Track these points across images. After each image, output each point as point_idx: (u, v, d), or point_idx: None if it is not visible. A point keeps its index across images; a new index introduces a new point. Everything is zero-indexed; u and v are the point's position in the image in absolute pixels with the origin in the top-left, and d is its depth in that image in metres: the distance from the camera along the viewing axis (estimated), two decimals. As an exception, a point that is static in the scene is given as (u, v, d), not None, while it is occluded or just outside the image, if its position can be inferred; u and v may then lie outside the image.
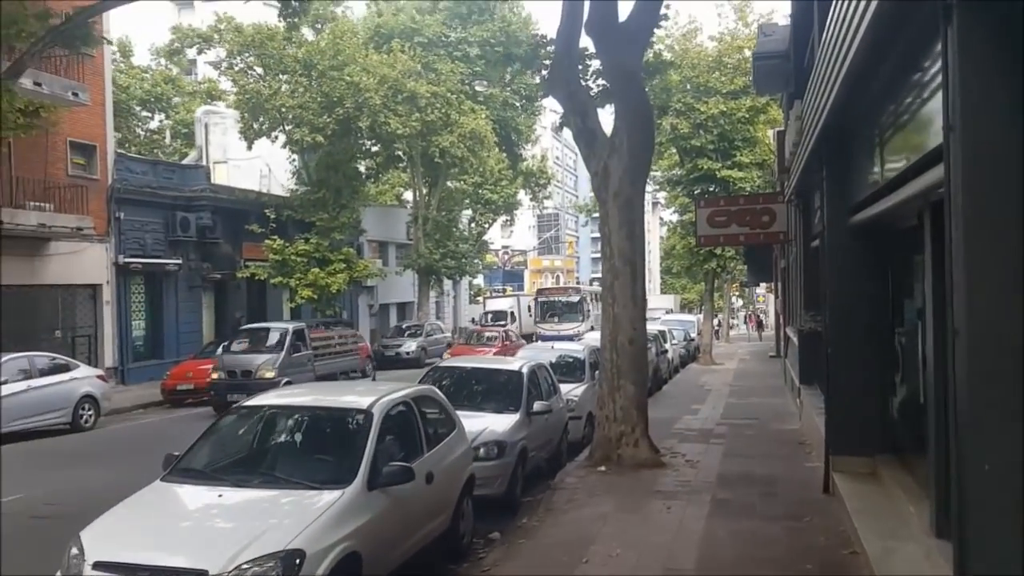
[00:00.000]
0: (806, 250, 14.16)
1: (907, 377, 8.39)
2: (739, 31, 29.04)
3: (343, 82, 25.75)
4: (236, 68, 27.47)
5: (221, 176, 35.98)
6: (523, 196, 56.05)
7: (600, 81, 12.20)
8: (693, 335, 34.41)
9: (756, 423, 14.37)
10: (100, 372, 17.37)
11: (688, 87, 28.51)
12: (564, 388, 12.66)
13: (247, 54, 26.78)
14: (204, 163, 36.17)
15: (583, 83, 11.76)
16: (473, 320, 49.53)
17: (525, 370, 10.11)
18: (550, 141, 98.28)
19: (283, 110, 26.34)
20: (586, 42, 11.66)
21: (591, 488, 9.34)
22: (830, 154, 8.56)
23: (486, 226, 55.29)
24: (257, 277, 27.08)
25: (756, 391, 19.95)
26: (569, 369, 13.75)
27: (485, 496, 8.31)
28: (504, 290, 61.12)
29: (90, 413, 15.93)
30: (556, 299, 41.98)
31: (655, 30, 12.15)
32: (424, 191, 36.35)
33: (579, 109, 10.93)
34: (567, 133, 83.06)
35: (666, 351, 24.72)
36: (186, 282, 26.19)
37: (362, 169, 31.69)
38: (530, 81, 36.91)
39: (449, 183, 47.36)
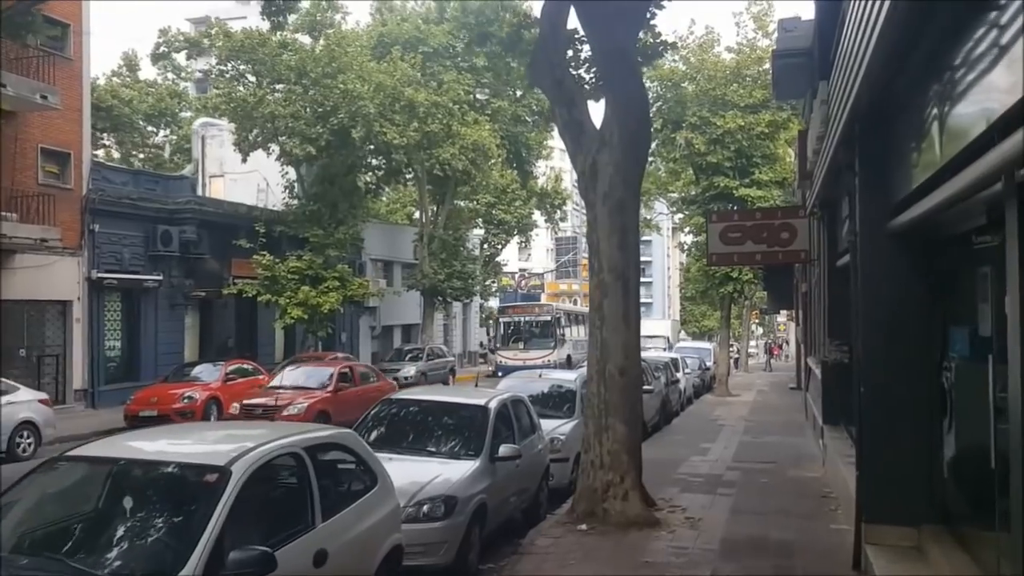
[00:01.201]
0: (831, 270, 12.39)
1: (962, 425, 6.61)
2: (758, 41, 27.42)
3: (337, 90, 24.36)
4: (227, 76, 26.18)
5: (218, 190, 34.84)
6: (539, 217, 54.69)
7: (594, 71, 10.58)
8: (709, 364, 32.49)
9: (772, 467, 12.53)
10: (43, 396, 15.82)
11: (704, 100, 26.89)
12: (550, 425, 10.95)
13: (238, 61, 25.47)
14: (198, 176, 35.23)
15: (572, 72, 10.15)
16: (481, 344, 47.82)
17: (493, 405, 8.39)
18: (566, 161, 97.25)
19: (274, 119, 24.94)
20: (576, 24, 10.08)
21: (565, 554, 7.58)
22: (865, 137, 6.86)
23: (499, 247, 53.88)
24: (245, 295, 25.58)
25: (774, 428, 18.06)
26: (558, 402, 12.02)
27: (426, 568, 6.60)
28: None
29: (29, 441, 14.38)
30: (521, 319, 33.92)
31: (654, 9, 10.52)
32: (433, 209, 34.91)
33: (565, 98, 9.31)
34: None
35: (677, 381, 22.88)
36: (167, 299, 24.73)
37: (364, 183, 30.20)
38: (541, 96, 35.52)
39: (460, 202, 46.10)
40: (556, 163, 77.51)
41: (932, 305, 6.70)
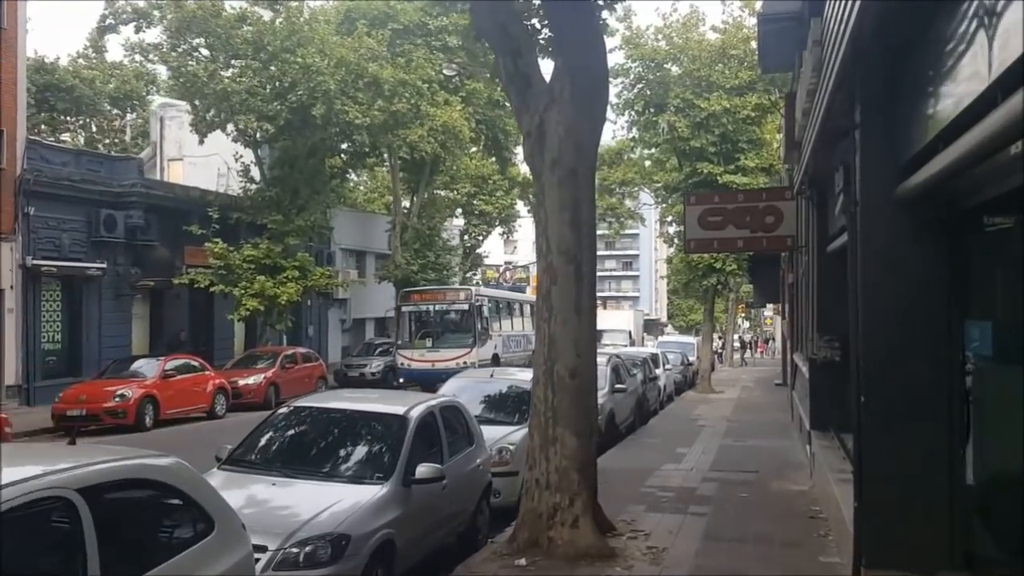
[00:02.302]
0: (821, 257, 10.98)
1: (991, 446, 5.20)
2: (744, 20, 25.98)
3: (296, 65, 22.74)
4: (179, 50, 24.50)
5: (177, 174, 33.15)
6: (522, 208, 53.18)
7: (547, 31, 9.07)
8: (692, 359, 31.14)
9: (754, 479, 11.12)
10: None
11: (688, 82, 25.46)
12: (499, 432, 9.51)
13: (190, 33, 23.79)
14: (156, 159, 33.55)
15: (521, 21, 8.64)
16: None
17: (414, 414, 6.90)
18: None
19: (228, 96, 23.27)
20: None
21: (493, 599, 6.14)
22: (867, 80, 5.41)
23: (480, 238, 52.40)
24: (197, 285, 23.97)
25: (757, 429, 16.67)
26: (511, 406, 10.55)
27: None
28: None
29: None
30: (430, 308, 26.33)
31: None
32: (408, 197, 33.38)
33: (510, 47, 7.81)
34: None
35: (656, 378, 21.48)
36: (112, 289, 23.08)
37: (329, 168, 28.55)
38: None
39: (440, 192, 44.58)
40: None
41: (953, 292, 5.27)
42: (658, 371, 22.64)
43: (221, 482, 6.15)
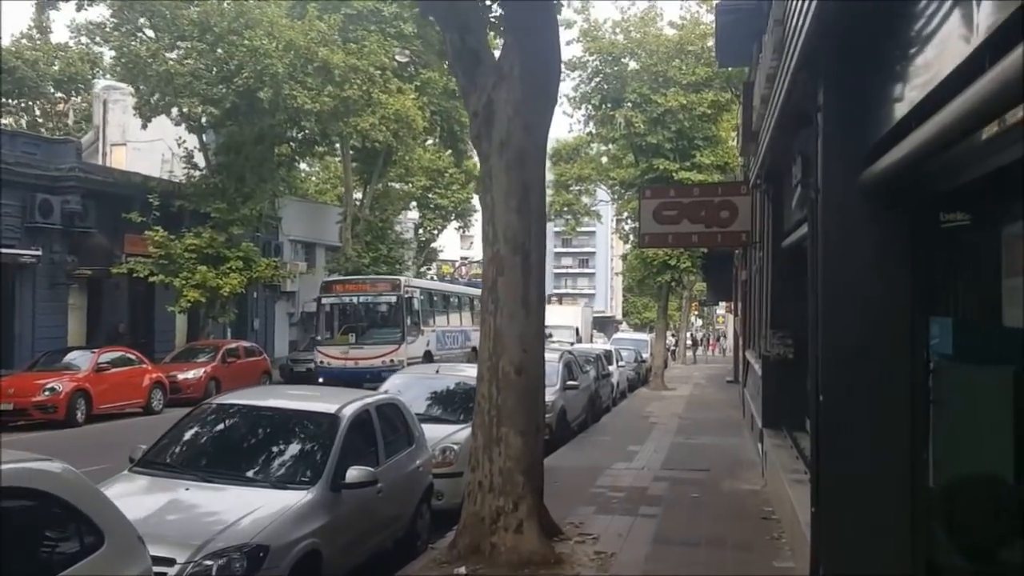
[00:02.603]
0: (775, 252, 10.75)
1: (952, 449, 4.95)
2: (702, 16, 25.87)
3: (243, 47, 21.94)
4: (123, 29, 23.49)
5: (120, 160, 31.97)
6: (478, 203, 52.56)
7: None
8: (645, 356, 31.05)
9: (706, 478, 10.86)
10: None
11: (645, 77, 25.26)
12: (444, 431, 9.08)
13: (133, 12, 22.83)
14: (98, 144, 32.34)
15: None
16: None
17: (347, 412, 6.42)
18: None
19: (171, 78, 22.37)
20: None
21: (429, 611, 5.72)
22: (832, 61, 5.07)
23: (435, 232, 51.79)
24: (136, 274, 23.04)
25: (709, 427, 16.50)
26: (458, 403, 10.12)
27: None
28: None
29: None
30: (353, 300, 23.64)
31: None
32: (363, 189, 32.70)
33: (459, 22, 7.37)
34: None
35: (609, 375, 21.23)
36: (47, 278, 22.06)
37: (277, 155, 27.70)
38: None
39: (396, 184, 43.85)
40: None
41: (917, 287, 4.98)
42: (611, 368, 22.41)
43: (128, 487, 5.64)
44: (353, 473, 5.89)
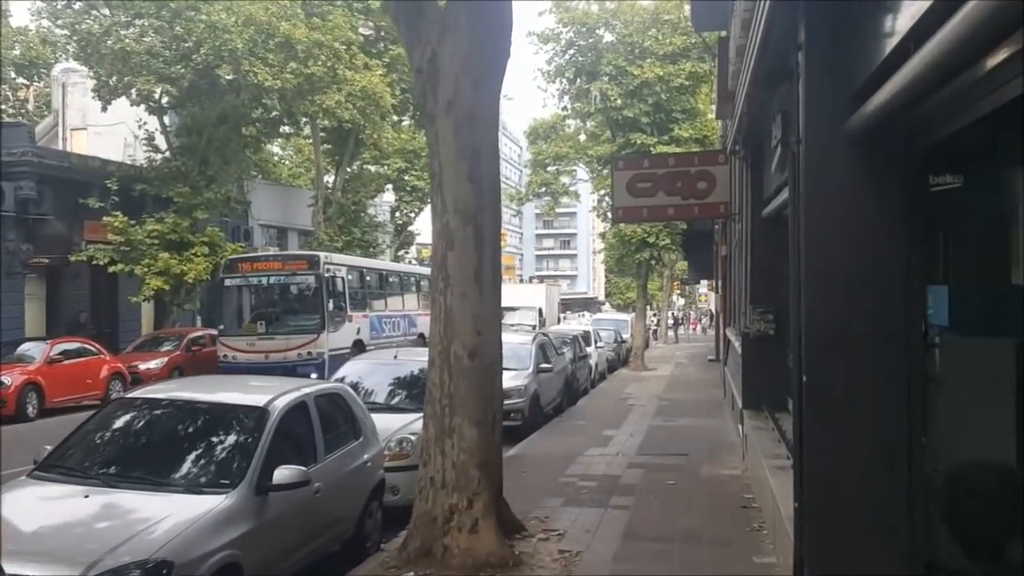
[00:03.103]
0: (755, 223, 10.15)
1: (954, 434, 4.36)
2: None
3: (201, 23, 21.00)
4: (76, 6, 22.47)
5: (81, 145, 30.88)
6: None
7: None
8: (625, 336, 30.50)
9: (684, 463, 10.27)
10: None
11: (620, 48, 24.55)
12: (400, 421, 8.46)
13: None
14: (58, 128, 31.26)
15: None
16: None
17: (277, 406, 5.72)
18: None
19: (127, 57, 21.41)
20: None
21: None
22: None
23: (412, 215, 50.97)
24: (96, 262, 22.14)
25: (689, 408, 15.95)
26: (417, 391, 9.43)
27: None
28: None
29: None
30: (263, 281, 19.45)
31: None
32: (335, 171, 31.80)
33: (400, -30, 6.64)
34: (512, 122, 77.98)
35: (586, 356, 20.63)
36: (2, 267, 21.13)
37: (242, 136, 26.74)
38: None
39: (371, 167, 42.91)
40: None
41: (914, 250, 4.36)
42: (589, 349, 21.81)
43: (23, 494, 4.95)
44: (282, 473, 5.22)
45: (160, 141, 24.77)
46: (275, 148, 44.12)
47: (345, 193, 32.06)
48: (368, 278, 22.53)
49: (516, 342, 15.33)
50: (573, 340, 19.81)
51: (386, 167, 43.14)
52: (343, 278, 19.64)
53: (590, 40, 25.09)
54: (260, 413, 5.59)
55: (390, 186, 47.39)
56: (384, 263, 29.80)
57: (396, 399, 9.21)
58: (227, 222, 28.77)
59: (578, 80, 25.35)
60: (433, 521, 6.25)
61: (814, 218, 4.55)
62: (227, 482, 5.09)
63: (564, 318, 46.84)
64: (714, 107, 17.02)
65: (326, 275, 18.73)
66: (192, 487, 5.01)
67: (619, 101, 24.13)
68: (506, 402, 13.27)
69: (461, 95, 6.25)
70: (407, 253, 55.49)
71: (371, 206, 39.21)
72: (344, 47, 23.75)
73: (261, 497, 5.14)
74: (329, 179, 33.16)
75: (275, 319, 18.82)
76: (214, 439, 5.47)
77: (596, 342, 23.86)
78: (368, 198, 35.14)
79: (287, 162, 44.68)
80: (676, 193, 12.27)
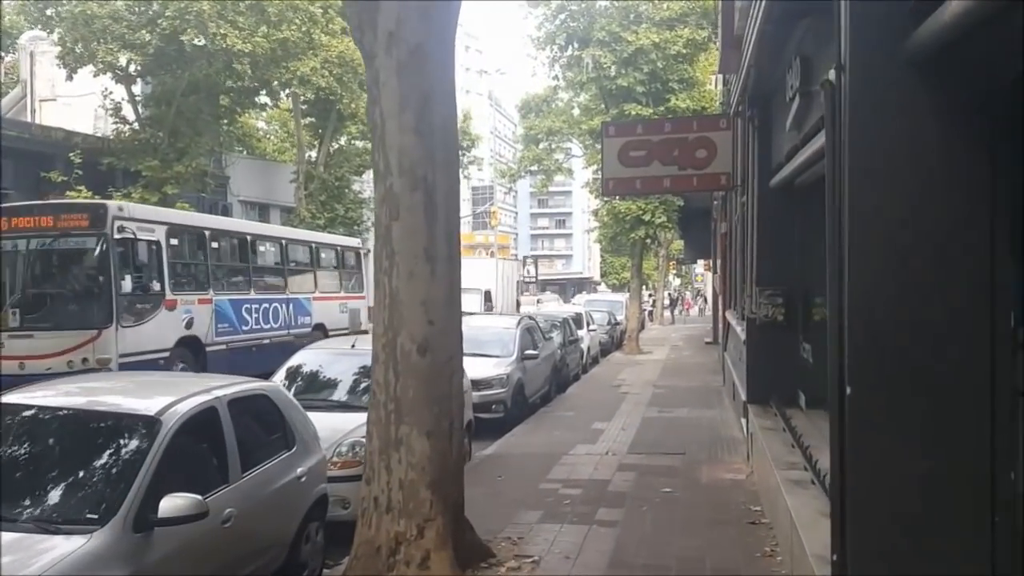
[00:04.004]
0: (762, 193, 8.96)
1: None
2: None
3: (167, -15, 19.65)
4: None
5: (50, 116, 29.47)
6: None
7: None
8: (620, 318, 29.37)
9: (681, 464, 9.14)
10: None
11: (614, 12, 23.22)
12: (353, 421, 7.17)
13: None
14: (26, 100, 29.85)
15: None
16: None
17: (173, 415, 4.51)
18: (486, 109, 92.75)
19: (88, 22, 20.07)
20: None
21: None
22: None
23: (401, 193, 49.79)
24: (58, 240, 20.84)
25: (686, 397, 14.83)
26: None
27: None
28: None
29: None
30: (22, 246, 12.12)
31: None
32: (318, 145, 30.52)
33: None
34: (507, 103, 75.89)
35: (577, 340, 19.49)
36: (-46, 244, 19.85)
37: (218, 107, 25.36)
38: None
39: (358, 142, 41.53)
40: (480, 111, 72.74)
41: (999, 220, 3.19)
42: (581, 332, 20.68)
43: None
44: (171, 503, 4.05)
45: (128, 112, 23.48)
46: (260, 123, 42.77)
47: (328, 168, 30.81)
48: (216, 245, 15.50)
49: (499, 326, 14.22)
50: (563, 323, 18.67)
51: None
52: (155, 242, 13.01)
53: (583, 4, 23.73)
54: (149, 424, 4.41)
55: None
56: (249, 224, 21.75)
57: (350, 395, 8.03)
58: (203, 198, 27.49)
59: (570, 47, 24.02)
60: (376, 551, 5.11)
61: (862, 177, 3.37)
62: (94, 517, 3.92)
63: (539, 301, 43.82)
64: (718, 60, 15.77)
65: (118, 236, 12.04)
66: (45, 525, 3.84)
67: (612, 69, 22.85)
68: (487, 392, 12.21)
69: (405, 26, 5.03)
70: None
71: (357, 182, 37.89)
72: (321, 11, 22.38)
73: (142, 535, 3.99)
74: (313, 154, 31.93)
75: (37, 306, 12.15)
76: (86, 459, 4.29)
77: (588, 324, 22.72)
78: (352, 173, 33.80)
79: (272, 137, 43.29)
80: (672, 163, 11.07)
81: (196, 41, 19.86)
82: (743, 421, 10.06)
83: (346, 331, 18.01)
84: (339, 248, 21.30)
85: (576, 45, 23.83)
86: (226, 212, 29.82)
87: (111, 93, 22.92)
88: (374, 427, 5.32)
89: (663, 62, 22.86)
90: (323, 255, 20.05)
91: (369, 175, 45.39)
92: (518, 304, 33.91)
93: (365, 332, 16.14)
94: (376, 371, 5.35)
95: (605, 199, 25.72)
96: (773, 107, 8.25)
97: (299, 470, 5.67)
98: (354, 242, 22.97)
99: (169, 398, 4.72)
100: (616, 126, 12.48)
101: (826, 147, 3.54)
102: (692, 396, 14.84)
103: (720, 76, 19.94)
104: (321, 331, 17.96)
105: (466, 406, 9.97)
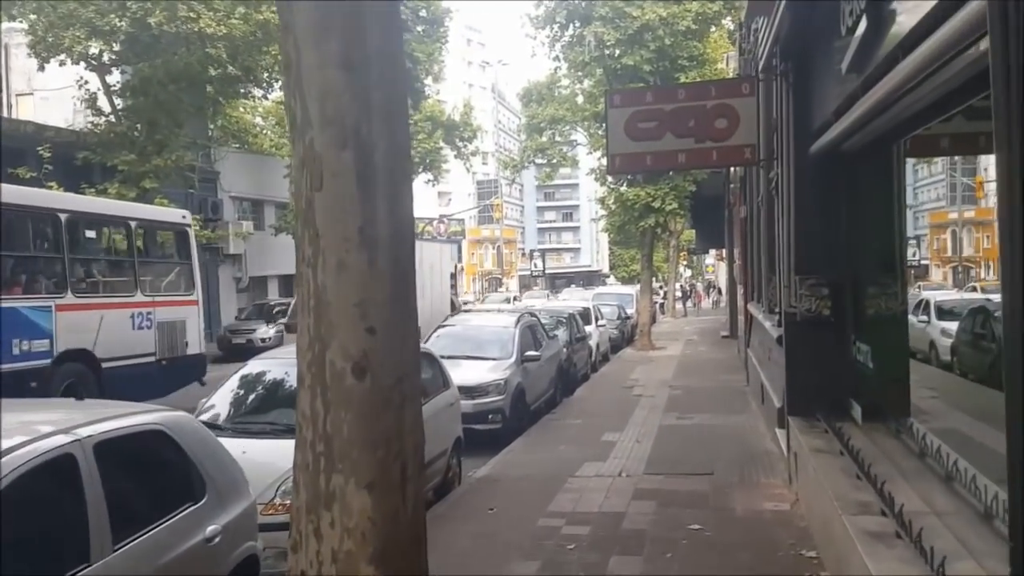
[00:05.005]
0: (800, 164, 7.48)
1: None
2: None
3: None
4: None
5: (27, 111, 28.22)
6: (455, 161, 49.22)
7: None
8: (630, 312, 27.88)
9: (709, 489, 7.68)
10: None
11: (617, -14, 21.70)
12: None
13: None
14: (1, 93, 28.55)
15: None
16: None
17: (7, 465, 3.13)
18: (489, 102, 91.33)
19: (56, 7, 18.74)
20: None
21: None
22: None
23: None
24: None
25: (706, 400, 13.37)
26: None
27: None
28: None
29: None
30: None
31: None
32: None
33: None
34: (511, 97, 74.41)
35: (584, 337, 18.02)
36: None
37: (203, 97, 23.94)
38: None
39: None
40: (452, 85, 72.21)
41: None
42: (589, 328, 19.21)
43: None
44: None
45: (104, 103, 22.17)
46: (258, 119, 41.46)
47: (323, 161, 29.42)
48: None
49: (497, 325, 12.81)
50: (569, 319, 17.24)
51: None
52: None
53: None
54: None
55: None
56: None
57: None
58: (192, 194, 26.19)
59: (571, 25, 22.53)
60: (301, 652, 3.66)
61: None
62: None
63: (514, 299, 39.35)
64: (732, 41, 14.23)
65: None
66: None
67: (617, 51, 21.36)
68: (482, 401, 10.74)
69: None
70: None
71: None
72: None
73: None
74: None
75: None
76: None
77: (597, 320, 21.26)
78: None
79: (269, 133, 42.00)
80: (688, 135, 9.57)
81: (165, 27, 18.46)
82: (778, 432, 8.60)
83: (149, 357, 12.30)
84: (135, 223, 12.93)
85: (577, 23, 22.33)
86: (216, 209, 28.55)
87: (86, 83, 21.62)
88: (300, 474, 3.85)
89: (671, 39, 21.36)
90: (90, 234, 12.78)
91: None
92: (453, 305, 27.67)
93: (197, 355, 13.16)
94: (301, 399, 3.87)
95: (611, 185, 24.27)
96: (815, 55, 6.77)
97: (209, 529, 4.24)
98: (171, 215, 15.10)
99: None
100: (622, 94, 10.96)
101: (991, 47, 2.07)
102: (713, 398, 13.37)
103: (737, 49, 18.44)
104: (83, 363, 11.04)
105: (454, 420, 8.58)
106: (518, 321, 12.68)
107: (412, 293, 3.87)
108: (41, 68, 22.23)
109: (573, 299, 27.84)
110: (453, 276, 35.56)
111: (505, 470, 8.67)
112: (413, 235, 3.90)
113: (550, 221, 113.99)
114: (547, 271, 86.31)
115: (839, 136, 6.11)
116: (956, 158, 20.32)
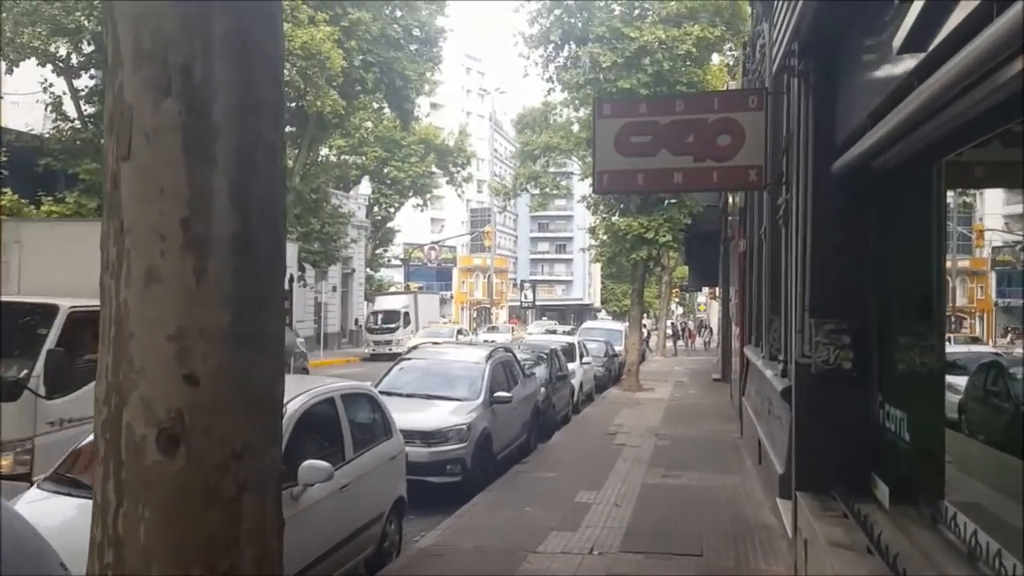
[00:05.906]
0: (819, 185, 6.25)
1: None
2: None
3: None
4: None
5: (-3, 117, 27.01)
6: (450, 188, 48.29)
7: None
8: (618, 349, 26.59)
9: (696, 573, 6.35)
10: None
11: (615, 7, 20.75)
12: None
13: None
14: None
15: None
16: (356, 322, 41.24)
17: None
18: (486, 130, 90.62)
19: (17, 4, 17.63)
20: None
21: None
22: None
23: (391, 209, 47.40)
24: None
25: (695, 452, 12.04)
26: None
27: None
28: (406, 286, 52.85)
29: None
30: None
31: None
32: (294, 155, 28.20)
33: None
34: (509, 125, 74.12)
35: (566, 376, 16.69)
36: None
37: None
38: (422, 17, 28.81)
39: (348, 157, 39.27)
40: (450, 112, 71.40)
41: None
42: (572, 366, 17.89)
43: None
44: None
45: (69, 108, 21.01)
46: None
47: (305, 180, 28.35)
48: None
49: (465, 360, 11.49)
50: (550, 355, 15.93)
51: (363, 156, 39.76)
52: None
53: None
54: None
55: (366, 177, 43.74)
56: None
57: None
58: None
59: (566, 46, 21.51)
60: None
61: None
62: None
63: (470, 337, 36.68)
64: (735, 61, 13.11)
65: None
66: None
67: (612, 74, 20.33)
68: (440, 449, 9.30)
69: None
70: (385, 251, 51.82)
71: (339, 196, 35.42)
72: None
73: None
74: (290, 163, 29.46)
75: None
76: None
77: (582, 356, 19.95)
78: (328, 185, 31.25)
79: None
80: (686, 152, 8.39)
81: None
82: (780, 503, 7.29)
83: None
84: None
85: (572, 44, 21.33)
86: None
87: (51, 86, 20.47)
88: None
89: (669, 63, 20.34)
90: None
91: (355, 191, 43.02)
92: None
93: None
94: (96, 478, 2.55)
95: (603, 214, 23.13)
96: (846, 47, 5.58)
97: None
98: None
99: None
100: (613, 104, 9.79)
101: None
102: (703, 452, 12.04)
103: (740, 73, 17.39)
104: None
105: (396, 477, 7.22)
106: (489, 357, 11.37)
107: (272, 322, 2.54)
108: (10, 71, 21.11)
109: (537, 333, 26.45)
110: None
111: (455, 538, 7.29)
112: (280, 236, 2.60)
113: (543, 252, 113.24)
114: (537, 302, 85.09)
115: (874, 146, 4.88)
116: (951, 202, 19.32)
